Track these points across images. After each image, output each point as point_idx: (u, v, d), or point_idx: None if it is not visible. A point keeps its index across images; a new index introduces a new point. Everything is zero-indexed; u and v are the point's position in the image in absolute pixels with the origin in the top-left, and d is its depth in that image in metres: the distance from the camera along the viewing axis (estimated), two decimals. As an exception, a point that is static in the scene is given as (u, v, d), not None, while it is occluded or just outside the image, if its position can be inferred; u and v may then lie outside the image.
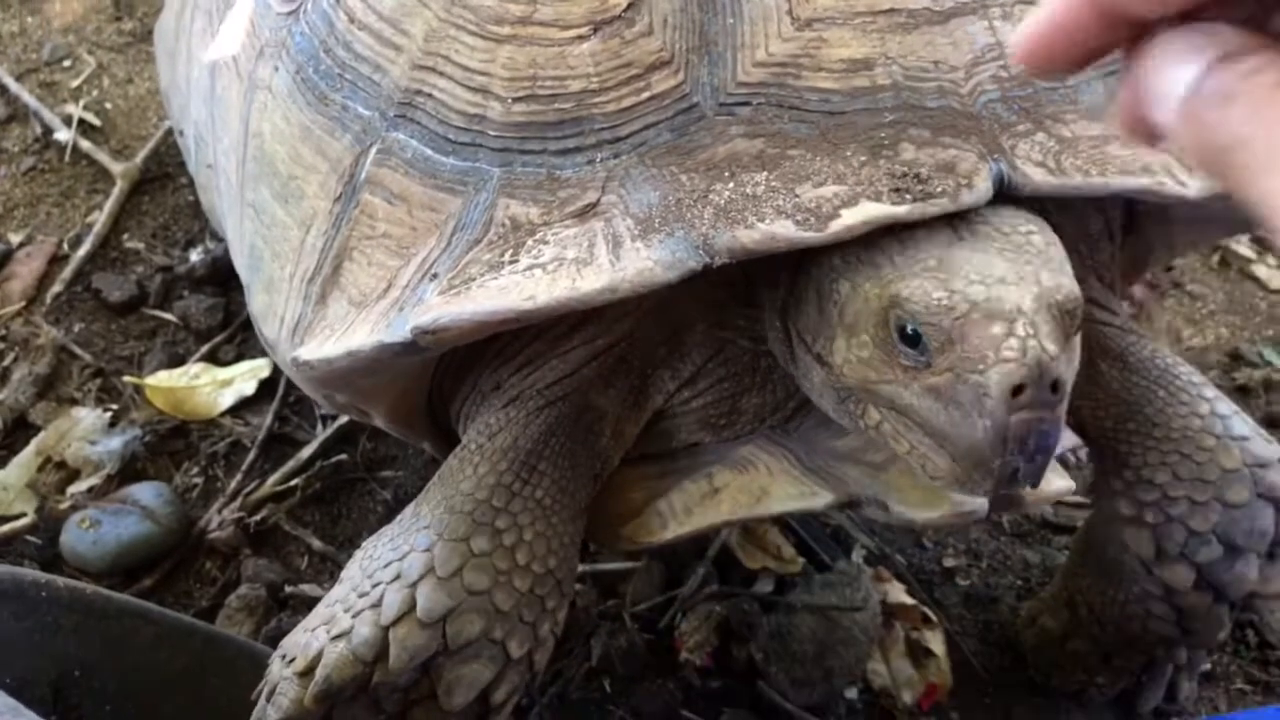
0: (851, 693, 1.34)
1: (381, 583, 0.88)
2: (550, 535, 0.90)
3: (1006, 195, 0.85)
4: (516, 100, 0.87)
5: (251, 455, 1.52)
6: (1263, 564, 1.07)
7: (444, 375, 1.03)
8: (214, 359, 1.63)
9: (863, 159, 0.84)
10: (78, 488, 1.47)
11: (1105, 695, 1.30)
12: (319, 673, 0.85)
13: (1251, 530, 1.05)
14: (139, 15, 2.09)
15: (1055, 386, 0.74)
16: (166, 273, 1.72)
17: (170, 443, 1.55)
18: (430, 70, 0.90)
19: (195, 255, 1.73)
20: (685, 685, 1.32)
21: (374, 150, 0.92)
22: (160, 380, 1.58)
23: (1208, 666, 1.36)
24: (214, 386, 1.60)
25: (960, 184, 0.83)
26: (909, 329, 0.78)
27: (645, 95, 0.86)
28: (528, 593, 0.88)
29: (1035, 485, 0.77)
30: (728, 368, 0.98)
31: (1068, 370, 0.76)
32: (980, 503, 0.92)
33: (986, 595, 1.45)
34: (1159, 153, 0.90)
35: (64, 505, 1.44)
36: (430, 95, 0.90)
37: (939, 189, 0.82)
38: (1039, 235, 0.82)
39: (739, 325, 0.97)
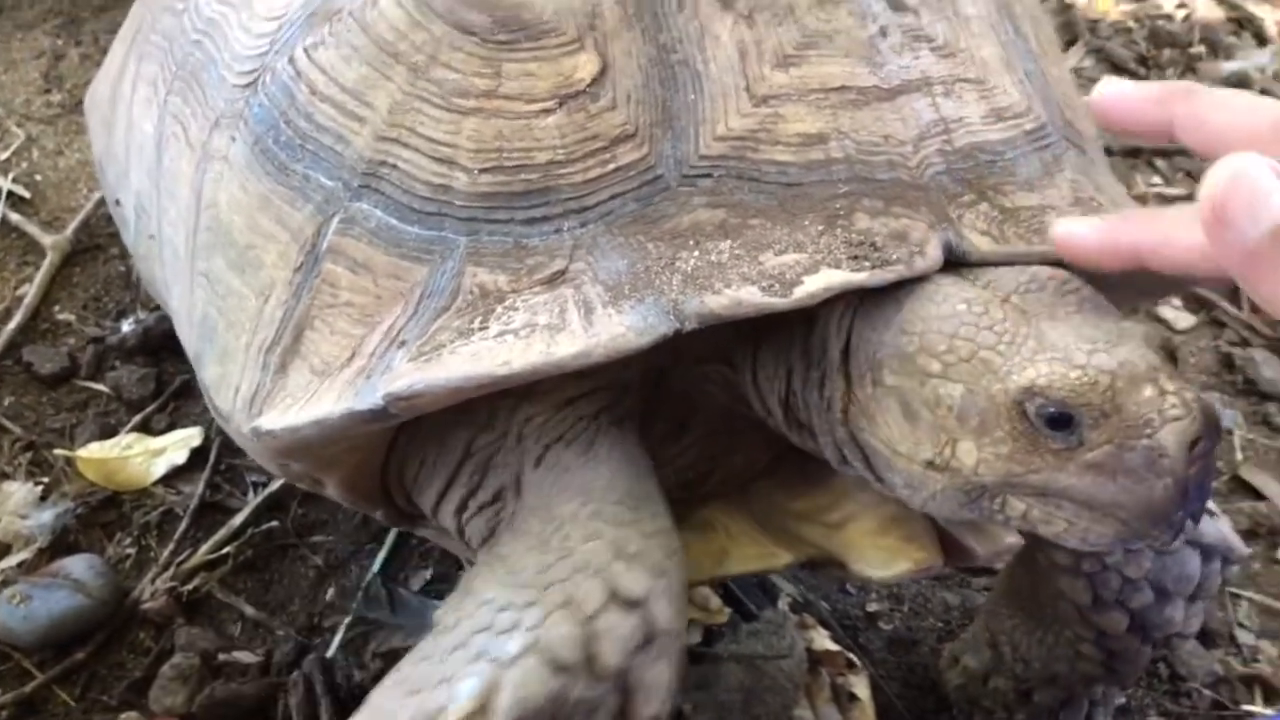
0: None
1: (555, 582, 0.75)
2: (675, 532, 0.83)
3: (955, 262, 0.84)
4: (483, 171, 0.84)
5: (184, 524, 1.45)
6: (1186, 606, 1.08)
7: (406, 442, 0.96)
8: (146, 429, 1.56)
9: (820, 228, 0.82)
10: (8, 563, 1.39)
11: (1026, 732, 1.28)
12: (505, 700, 0.70)
13: (1180, 575, 1.05)
14: (68, 87, 2.00)
15: (1218, 428, 0.72)
16: (98, 344, 1.64)
17: (102, 514, 1.47)
18: (394, 141, 0.86)
19: (127, 326, 1.65)
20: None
21: (336, 220, 0.87)
22: (92, 452, 1.51)
23: (1123, 700, 1.36)
24: (146, 456, 1.53)
25: (913, 251, 0.82)
26: (1055, 414, 0.73)
27: (611, 167, 0.83)
28: (683, 585, 0.79)
29: (1198, 522, 0.74)
30: (708, 427, 0.94)
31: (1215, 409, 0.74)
32: (937, 559, 0.90)
33: (909, 638, 1.44)
34: (1093, 219, 0.90)
35: (-5, 581, 1.35)
36: (395, 166, 0.86)
37: (894, 256, 0.81)
38: (1085, 287, 0.80)
39: (715, 380, 0.93)
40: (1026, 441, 0.75)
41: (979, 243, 0.84)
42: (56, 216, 1.80)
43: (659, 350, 0.79)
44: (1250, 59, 2.51)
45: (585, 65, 0.84)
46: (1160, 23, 2.60)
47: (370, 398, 0.78)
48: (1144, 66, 2.48)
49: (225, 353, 0.93)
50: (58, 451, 1.50)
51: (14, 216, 1.77)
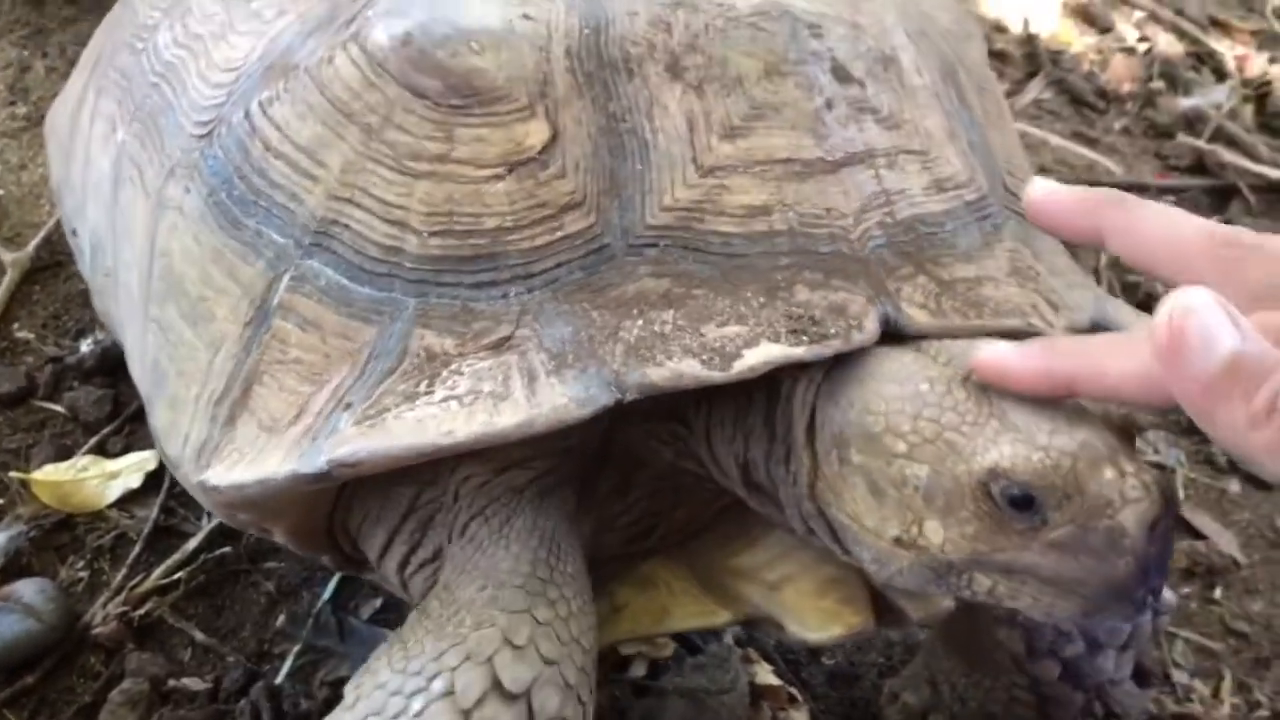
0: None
1: (444, 670, 0.78)
2: (587, 612, 0.85)
3: (892, 334, 0.85)
4: (433, 234, 0.85)
5: (137, 548, 1.45)
6: (1117, 655, 1.11)
7: (351, 495, 0.97)
8: (102, 451, 1.55)
9: (761, 300, 0.83)
10: None
11: (962, 769, 1.31)
12: None
13: (1111, 628, 1.09)
14: (33, 99, 1.99)
15: (1175, 507, 0.73)
16: (56, 364, 1.63)
17: (56, 537, 1.47)
18: (347, 201, 0.87)
19: (85, 346, 1.65)
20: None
21: (287, 277, 0.88)
22: (47, 474, 1.50)
23: (1059, 740, 1.38)
24: (101, 479, 1.53)
25: (851, 325, 0.83)
26: (1018, 495, 0.74)
27: (558, 234, 0.84)
28: (582, 670, 0.81)
29: (1159, 597, 0.76)
30: (653, 484, 0.95)
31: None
32: (871, 623, 0.91)
33: (851, 673, 1.45)
34: (1028, 294, 0.93)
35: (-55, 604, 1.35)
36: (347, 226, 0.87)
37: (832, 330, 0.83)
38: None
39: (663, 438, 0.94)
40: (991, 521, 0.76)
41: (916, 316, 0.86)
42: (18, 232, 1.79)
43: (604, 414, 0.81)
44: (1208, 95, 2.55)
45: (536, 133, 0.86)
46: (1121, 56, 2.64)
47: (314, 461, 0.79)
48: (1103, 99, 2.52)
49: (175, 401, 0.93)
50: (13, 474, 1.49)
51: (-26, 232, 1.76)
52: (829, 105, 0.91)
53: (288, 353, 0.87)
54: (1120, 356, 0.72)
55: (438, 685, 0.78)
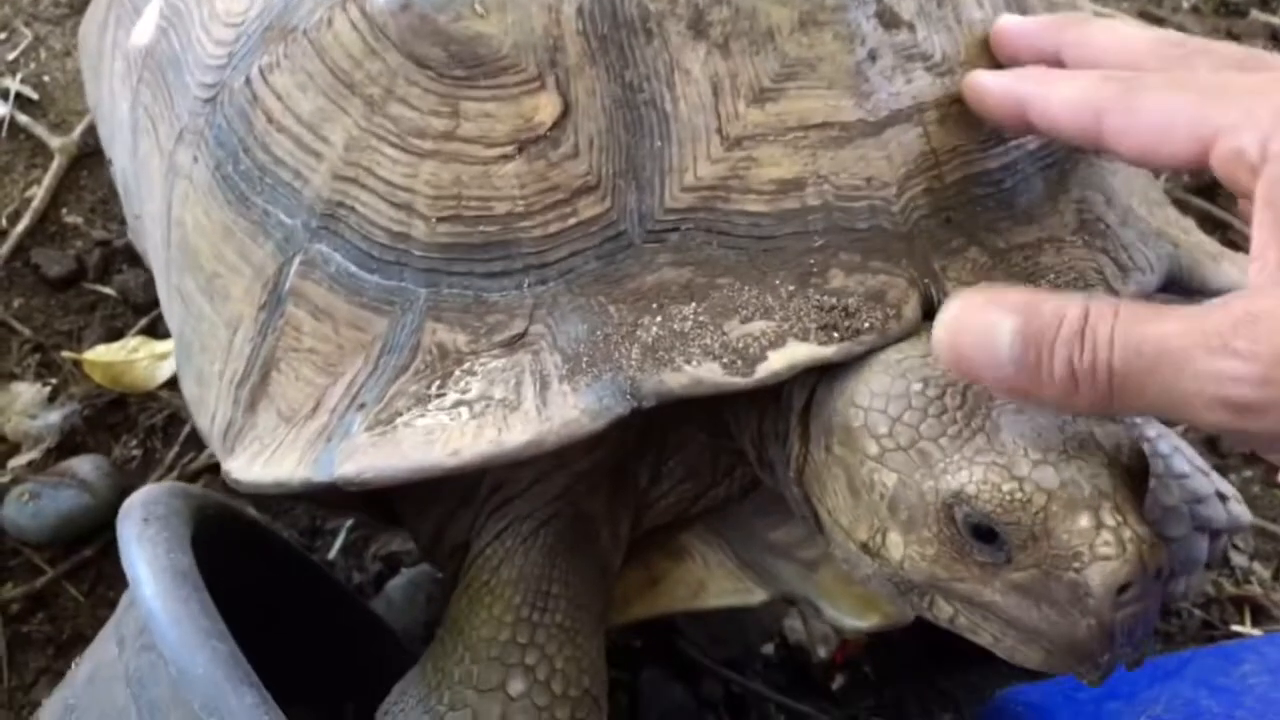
0: (768, 648, 1.32)
1: None
2: (579, 656, 0.84)
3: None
4: (441, 220, 0.80)
5: (188, 427, 1.47)
6: (1188, 579, 1.09)
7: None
8: (152, 332, 1.57)
9: (791, 288, 0.78)
10: (17, 462, 1.43)
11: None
12: None
13: (1187, 558, 1.06)
14: (76, -15, 1.93)
15: (1159, 573, 0.67)
16: (105, 247, 1.64)
17: (109, 416, 1.51)
18: (352, 182, 0.82)
19: (133, 229, 1.65)
20: (608, 645, 1.30)
21: (297, 261, 0.84)
22: (99, 354, 1.53)
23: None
24: (151, 360, 1.54)
25: (888, 315, 0.78)
26: (981, 526, 0.68)
27: (572, 221, 0.79)
28: (570, 719, 0.83)
29: (1135, 667, 0.70)
30: (688, 466, 0.92)
31: (1163, 551, 0.68)
32: (908, 613, 0.88)
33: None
34: (1094, 254, 0.86)
35: (4, 479, 1.41)
36: (353, 209, 0.82)
37: (866, 323, 0.77)
38: None
39: (698, 420, 0.90)
40: (953, 547, 0.71)
41: None
42: (64, 119, 1.77)
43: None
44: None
45: (546, 107, 0.79)
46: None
47: (326, 470, 0.78)
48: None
49: (201, 376, 0.93)
50: (65, 354, 1.53)
51: (22, 118, 1.74)
52: (872, 57, 0.82)
53: (302, 341, 0.84)
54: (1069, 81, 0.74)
55: None
